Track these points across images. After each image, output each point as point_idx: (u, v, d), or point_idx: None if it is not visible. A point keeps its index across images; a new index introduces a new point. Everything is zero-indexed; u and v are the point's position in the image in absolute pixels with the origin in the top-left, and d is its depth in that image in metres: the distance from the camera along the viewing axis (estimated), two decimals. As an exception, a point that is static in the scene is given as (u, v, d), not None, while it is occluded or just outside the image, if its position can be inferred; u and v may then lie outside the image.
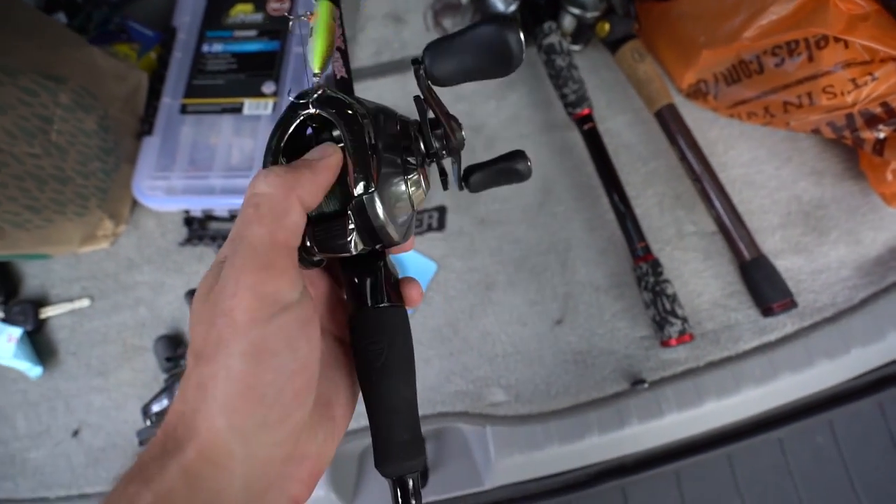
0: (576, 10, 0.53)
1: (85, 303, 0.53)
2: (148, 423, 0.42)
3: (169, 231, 0.55)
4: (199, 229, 0.53)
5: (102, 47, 0.56)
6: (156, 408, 0.43)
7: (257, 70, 0.53)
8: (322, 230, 0.20)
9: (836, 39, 0.41)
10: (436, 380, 0.48)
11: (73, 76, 0.45)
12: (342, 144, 0.20)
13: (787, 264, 0.50)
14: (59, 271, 0.55)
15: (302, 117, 0.21)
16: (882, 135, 0.44)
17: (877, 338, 0.48)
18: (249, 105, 0.52)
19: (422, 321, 0.50)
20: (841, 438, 0.52)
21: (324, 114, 0.21)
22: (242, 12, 0.56)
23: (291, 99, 0.21)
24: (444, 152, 0.23)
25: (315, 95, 0.21)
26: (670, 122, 0.52)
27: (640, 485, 0.49)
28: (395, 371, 0.21)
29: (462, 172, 0.25)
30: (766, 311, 0.47)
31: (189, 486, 0.15)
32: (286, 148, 0.21)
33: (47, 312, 0.53)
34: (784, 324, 0.49)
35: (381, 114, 0.22)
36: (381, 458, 0.21)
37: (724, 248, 0.51)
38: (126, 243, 0.55)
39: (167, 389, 0.43)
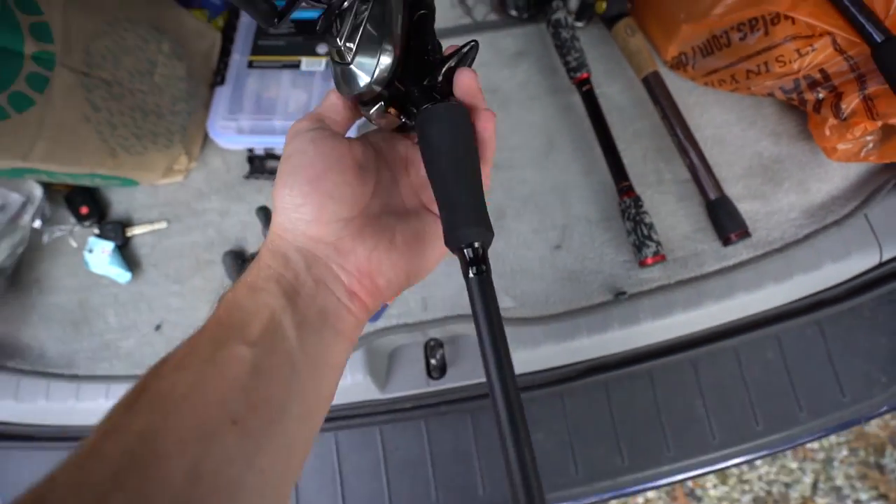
0: (579, -8, 0.64)
1: (163, 224, 0.64)
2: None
3: (233, 167, 0.65)
4: (260, 165, 0.64)
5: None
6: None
7: (314, 34, 0.64)
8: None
9: (786, 17, 0.51)
10: (455, 289, 0.59)
11: (170, 30, 0.55)
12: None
13: (746, 207, 0.61)
14: (141, 199, 0.65)
15: None
16: (820, 95, 0.54)
17: (815, 267, 0.59)
18: (306, 62, 0.63)
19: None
20: (786, 352, 0.63)
21: None
22: (298, -14, 0.67)
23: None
24: None
25: None
26: (654, 87, 0.62)
27: (621, 381, 0.60)
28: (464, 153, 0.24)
29: None
30: (726, 241, 0.58)
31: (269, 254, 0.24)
32: None
33: (133, 231, 0.63)
34: (740, 252, 0.59)
35: None
36: (454, 227, 0.23)
37: (695, 192, 0.61)
38: (196, 177, 0.66)
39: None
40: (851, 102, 0.52)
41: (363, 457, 0.60)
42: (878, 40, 0.45)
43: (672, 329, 0.59)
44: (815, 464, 1.25)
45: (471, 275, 0.22)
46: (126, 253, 0.63)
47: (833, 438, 1.26)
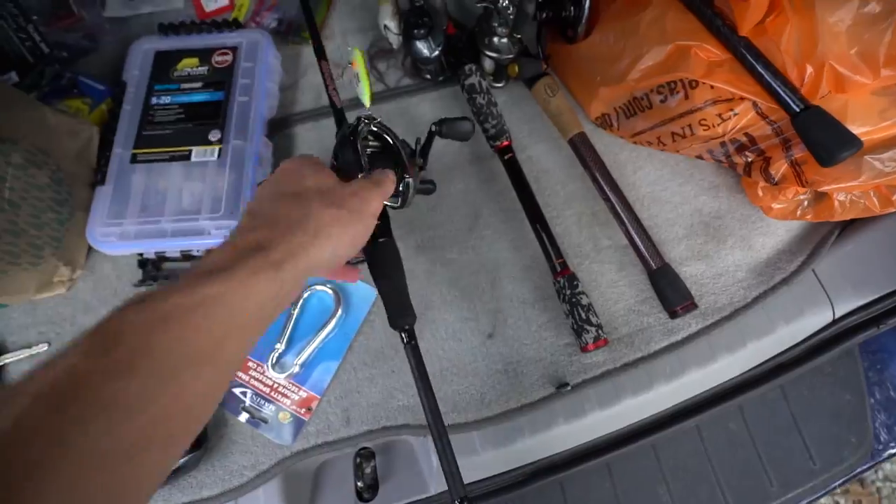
0: (492, 54, 0.60)
1: (43, 347, 0.55)
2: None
3: (124, 273, 0.58)
4: (153, 270, 0.57)
5: (54, 103, 0.59)
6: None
7: (204, 119, 0.58)
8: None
9: (703, 82, 0.48)
10: (380, 397, 0.52)
11: (25, 136, 0.48)
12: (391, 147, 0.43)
13: (691, 270, 0.57)
14: (17, 318, 0.57)
15: (365, 134, 0.41)
16: (749, 158, 0.51)
17: (769, 331, 0.55)
18: (197, 152, 0.56)
19: (364, 343, 0.54)
20: (750, 422, 0.58)
21: (384, 133, 0.42)
22: (189, 66, 0.61)
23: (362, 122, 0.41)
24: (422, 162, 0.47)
25: (376, 120, 0.42)
26: (581, 149, 0.58)
27: (575, 478, 0.54)
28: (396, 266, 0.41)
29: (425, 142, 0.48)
30: (672, 314, 0.53)
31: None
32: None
33: (6, 359, 0.55)
34: (689, 324, 0.55)
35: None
36: (394, 319, 0.39)
37: (635, 259, 0.57)
38: (83, 287, 0.58)
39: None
40: (780, 168, 0.48)
41: None
42: (797, 109, 0.42)
43: (623, 417, 0.53)
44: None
45: (405, 344, 0.40)
46: (-1, 386, 0.54)
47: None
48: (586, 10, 0.57)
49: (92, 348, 0.21)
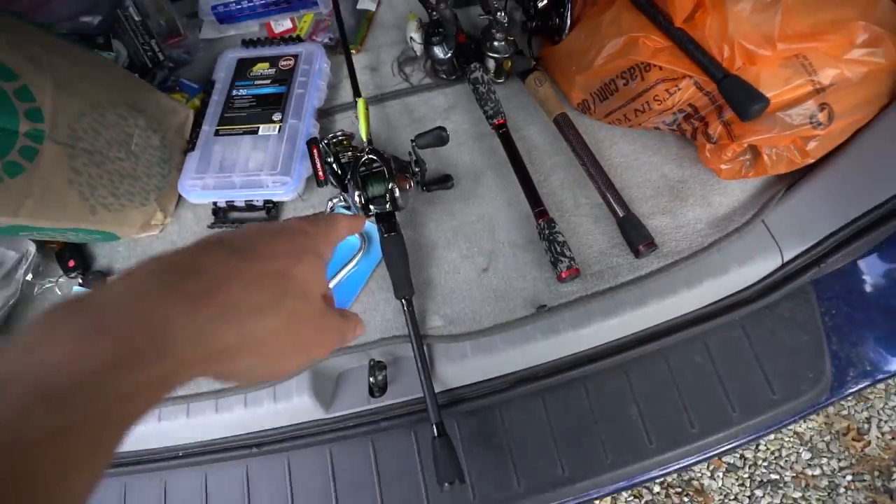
0: (494, 55, 0.75)
1: (140, 272, 0.72)
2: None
3: (201, 219, 0.75)
4: (223, 216, 0.73)
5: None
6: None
7: (269, 105, 0.76)
8: (375, 202, 0.62)
9: (653, 64, 0.61)
10: (392, 313, 0.65)
11: (146, 109, 0.67)
12: (382, 167, 0.62)
13: (656, 223, 0.67)
14: (122, 251, 0.74)
15: (364, 160, 0.63)
16: (695, 125, 0.63)
17: (723, 271, 0.64)
18: (263, 128, 0.74)
19: (381, 271, 0.68)
20: (715, 357, 0.66)
21: (375, 157, 0.63)
22: (261, 68, 0.80)
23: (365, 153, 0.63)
24: (417, 171, 0.66)
25: (368, 149, 0.64)
26: (563, 126, 0.72)
27: (554, 390, 0.63)
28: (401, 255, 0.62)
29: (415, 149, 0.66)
30: (636, 253, 0.64)
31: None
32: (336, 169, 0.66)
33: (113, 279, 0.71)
34: (652, 262, 0.65)
35: (393, 157, 0.64)
36: (397, 291, 0.60)
37: (608, 213, 0.68)
38: (171, 230, 0.75)
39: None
40: (717, 129, 0.60)
41: (315, 479, 0.63)
42: (720, 77, 0.54)
43: (594, 338, 0.63)
44: (819, 492, 1.20)
45: (405, 309, 0.59)
46: (106, 299, 0.71)
47: (834, 463, 1.21)
48: (568, 20, 0.72)
49: None
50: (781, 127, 0.55)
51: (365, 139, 0.68)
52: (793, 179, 0.67)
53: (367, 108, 0.69)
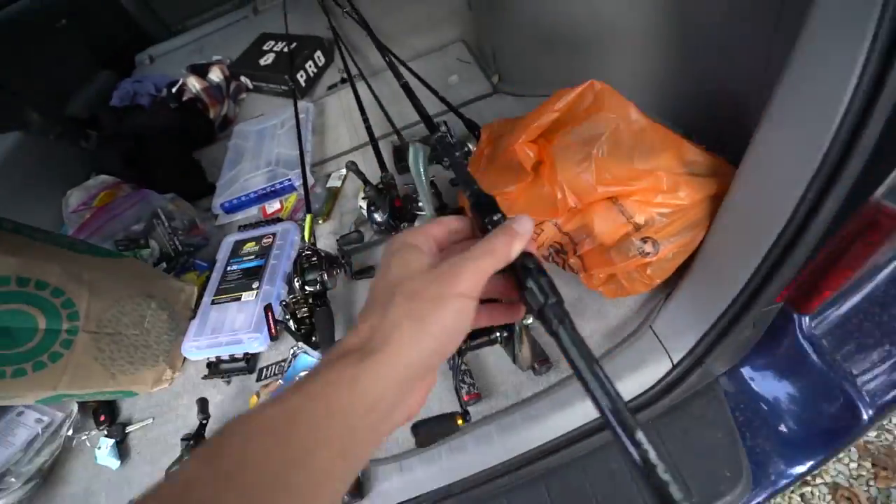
0: (420, 213, 0.95)
1: (150, 420, 0.90)
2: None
3: (201, 371, 0.94)
4: (214, 369, 0.91)
5: (180, 275, 1.05)
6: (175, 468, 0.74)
7: (251, 276, 0.98)
8: (309, 283, 0.86)
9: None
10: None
11: (157, 294, 0.91)
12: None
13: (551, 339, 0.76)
14: (141, 403, 0.93)
15: (304, 255, 0.88)
16: (563, 258, 0.75)
17: (617, 378, 0.70)
18: (245, 295, 0.95)
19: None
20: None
21: (311, 253, 0.88)
22: (249, 247, 1.04)
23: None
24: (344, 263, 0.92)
25: (308, 247, 0.90)
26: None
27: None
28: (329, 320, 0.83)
29: None
30: (534, 370, 0.72)
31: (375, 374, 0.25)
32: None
33: (130, 428, 0.90)
34: (551, 378, 0.73)
35: (326, 253, 0.90)
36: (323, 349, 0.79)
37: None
38: (177, 382, 0.94)
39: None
40: (575, 262, 0.72)
41: None
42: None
43: (502, 453, 0.70)
44: None
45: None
46: (123, 445, 0.88)
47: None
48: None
49: (204, 457, 0.23)
50: (619, 258, 0.66)
51: (308, 241, 0.93)
52: (672, 286, 0.75)
53: (311, 222, 0.95)
